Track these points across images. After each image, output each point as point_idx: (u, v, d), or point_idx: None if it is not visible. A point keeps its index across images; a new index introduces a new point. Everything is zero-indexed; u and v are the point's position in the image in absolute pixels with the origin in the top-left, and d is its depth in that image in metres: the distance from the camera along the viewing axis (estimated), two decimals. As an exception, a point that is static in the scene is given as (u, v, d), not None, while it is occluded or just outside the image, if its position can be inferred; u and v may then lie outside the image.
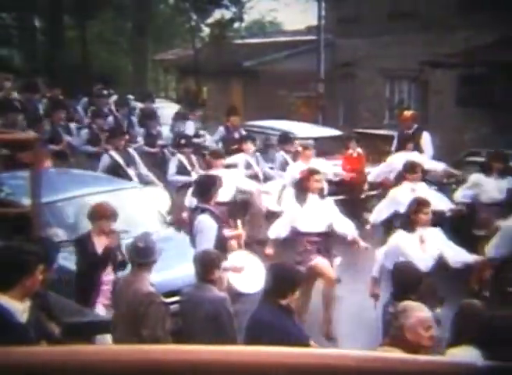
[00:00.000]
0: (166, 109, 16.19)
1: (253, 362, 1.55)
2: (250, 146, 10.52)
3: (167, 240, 7.02)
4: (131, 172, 9.64)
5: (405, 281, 5.32)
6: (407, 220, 6.61)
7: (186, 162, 10.08)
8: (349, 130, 15.07)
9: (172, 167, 10.12)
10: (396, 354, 3.67)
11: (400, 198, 8.03)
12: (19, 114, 11.23)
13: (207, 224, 6.73)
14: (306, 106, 20.79)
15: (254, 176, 10.26)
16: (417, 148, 10.95)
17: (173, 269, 6.54)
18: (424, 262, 6.29)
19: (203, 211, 6.84)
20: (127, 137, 10.80)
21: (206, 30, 25.91)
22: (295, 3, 30.01)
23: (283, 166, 10.55)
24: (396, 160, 9.86)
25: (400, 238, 6.53)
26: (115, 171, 9.42)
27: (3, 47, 25.00)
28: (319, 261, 7.18)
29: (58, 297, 5.46)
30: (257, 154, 10.83)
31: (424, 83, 17.60)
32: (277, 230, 7.55)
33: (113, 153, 9.77)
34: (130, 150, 10.17)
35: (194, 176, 9.56)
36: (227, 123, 12.37)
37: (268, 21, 39.64)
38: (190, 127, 12.95)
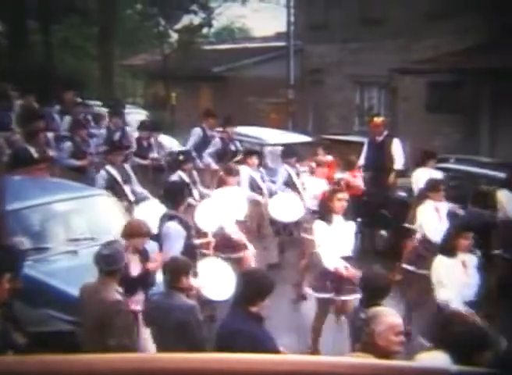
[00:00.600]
0: (134, 115, 16.02)
1: (225, 370, 1.55)
2: (254, 161, 9.97)
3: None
4: (127, 188, 9.22)
5: (374, 288, 5.33)
6: (447, 245, 6.36)
7: (187, 179, 9.52)
8: (318, 136, 15.10)
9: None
10: (375, 360, 3.66)
11: (424, 218, 7.89)
12: None
13: (174, 231, 6.71)
14: (275, 112, 20.82)
15: (259, 193, 9.87)
16: (388, 154, 11.01)
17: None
18: (468, 288, 6.13)
19: (171, 218, 6.82)
20: (126, 151, 10.46)
21: (175, 36, 25.80)
22: (264, 9, 30.10)
23: (288, 181, 10.09)
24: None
25: (441, 264, 6.27)
26: (112, 187, 9.03)
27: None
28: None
29: (22, 306, 5.33)
30: (261, 169, 10.39)
31: (393, 89, 17.75)
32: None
33: (110, 168, 9.30)
34: (126, 165, 9.75)
35: (196, 195, 9.30)
36: (203, 125, 12.12)
37: (237, 27, 39.73)
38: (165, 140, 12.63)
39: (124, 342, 5.11)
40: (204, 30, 26.21)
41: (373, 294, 5.26)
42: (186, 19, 24.87)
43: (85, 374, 1.56)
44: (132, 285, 5.88)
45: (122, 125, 12.44)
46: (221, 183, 8.70)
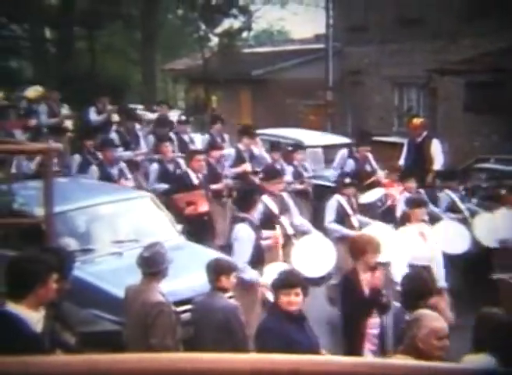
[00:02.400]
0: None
1: (265, 370, 1.58)
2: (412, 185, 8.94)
3: (178, 249, 7.05)
4: (284, 221, 7.83)
5: (413, 289, 5.26)
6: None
7: (347, 205, 8.38)
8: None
9: (330, 212, 8.36)
10: (410, 361, 3.69)
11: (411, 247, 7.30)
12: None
13: (244, 233, 6.68)
14: (314, 114, 20.83)
15: None
16: (427, 155, 10.96)
17: (184, 278, 6.56)
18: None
19: (242, 220, 6.84)
20: (284, 180, 9.15)
21: (215, 40, 25.97)
22: (303, 12, 30.08)
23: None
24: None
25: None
26: (267, 219, 7.71)
27: (13, 58, 25.15)
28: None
29: (71, 306, 5.50)
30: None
31: (432, 90, 17.61)
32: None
33: (266, 198, 7.88)
34: (285, 195, 8.35)
35: (356, 223, 8.25)
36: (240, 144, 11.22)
37: (276, 30, 39.75)
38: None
39: (166, 342, 5.19)
40: (244, 34, 26.31)
41: (413, 296, 5.19)
42: (226, 23, 25.05)
43: (133, 373, 1.59)
44: (366, 306, 5.58)
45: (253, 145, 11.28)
46: (406, 218, 7.67)
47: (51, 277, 3.91)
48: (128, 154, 11.02)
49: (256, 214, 7.14)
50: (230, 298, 5.96)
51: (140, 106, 17.76)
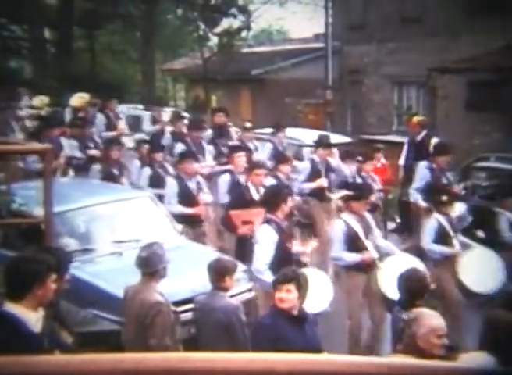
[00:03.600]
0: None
1: (260, 369, 1.57)
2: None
3: (178, 249, 7.05)
4: (369, 243, 7.10)
5: (410, 288, 5.28)
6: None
7: (447, 225, 7.51)
8: (357, 136, 15.10)
9: (430, 232, 7.49)
10: (410, 360, 3.69)
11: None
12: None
13: (265, 235, 6.52)
14: (314, 113, 20.85)
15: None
16: (428, 154, 10.94)
17: (184, 277, 6.55)
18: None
19: (267, 221, 6.63)
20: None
21: (214, 39, 26.00)
22: (302, 11, 30.11)
23: None
24: None
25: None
26: (352, 241, 7.05)
27: (13, 59, 25.18)
28: None
29: (70, 306, 5.49)
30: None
31: (432, 89, 17.61)
32: None
33: (348, 217, 7.12)
34: (367, 215, 7.42)
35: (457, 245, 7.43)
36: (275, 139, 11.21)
37: (275, 29, 39.77)
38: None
39: (165, 342, 5.19)
40: (243, 33, 26.33)
41: (409, 295, 5.22)
42: (225, 23, 25.08)
43: (131, 372, 1.58)
44: None
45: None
46: None
47: (50, 278, 3.90)
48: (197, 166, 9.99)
49: (282, 217, 6.69)
50: (232, 297, 5.97)
51: (139, 106, 17.74)
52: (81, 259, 6.70)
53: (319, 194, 9.71)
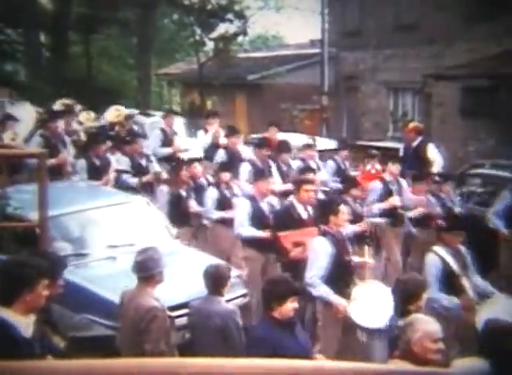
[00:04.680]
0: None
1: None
2: None
3: (172, 254, 7.02)
4: (466, 282, 6.27)
5: (404, 295, 5.26)
6: None
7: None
8: (353, 142, 15.12)
9: None
10: (408, 366, 3.69)
11: None
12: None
13: (319, 247, 6.42)
14: (310, 119, 20.88)
15: None
16: (424, 159, 10.95)
17: (179, 282, 6.53)
18: None
19: (323, 234, 6.53)
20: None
21: (210, 45, 26.03)
22: (298, 17, 30.27)
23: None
24: None
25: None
26: (448, 281, 6.23)
27: (9, 62, 25.16)
28: None
29: (62, 311, 5.47)
30: None
31: (427, 95, 17.67)
32: None
33: (441, 251, 6.34)
34: (462, 248, 6.47)
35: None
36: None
37: (271, 35, 39.85)
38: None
39: (160, 348, 5.18)
40: (239, 39, 26.40)
41: (403, 301, 5.20)
42: (221, 28, 25.11)
43: None
44: None
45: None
46: None
47: (41, 283, 3.86)
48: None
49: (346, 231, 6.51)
50: (228, 302, 5.97)
51: (135, 111, 17.72)
52: (75, 264, 6.68)
53: (392, 216, 8.91)
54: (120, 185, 9.50)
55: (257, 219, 7.89)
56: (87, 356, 4.84)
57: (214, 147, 10.88)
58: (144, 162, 10.14)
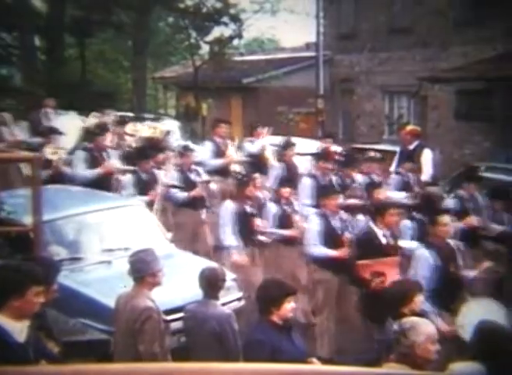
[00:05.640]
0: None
1: None
2: None
3: (168, 257, 7.00)
4: None
5: (397, 298, 5.30)
6: None
7: None
8: (349, 145, 15.13)
9: None
10: (405, 370, 3.70)
11: None
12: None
13: (420, 255, 6.34)
14: (305, 122, 20.89)
15: None
16: (417, 164, 10.93)
17: (174, 286, 6.51)
18: None
19: (427, 246, 6.42)
20: None
21: (205, 48, 26.03)
22: (293, 20, 30.32)
23: None
24: None
25: None
26: None
27: (3, 66, 25.10)
28: None
29: (57, 315, 5.44)
30: None
31: (423, 98, 17.69)
32: None
33: None
34: None
35: None
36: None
37: (266, 38, 39.87)
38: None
39: (154, 349, 5.18)
40: (235, 42, 26.40)
41: (396, 304, 5.24)
42: (216, 31, 25.11)
43: None
44: None
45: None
46: None
47: (30, 290, 3.81)
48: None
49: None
50: (223, 305, 5.95)
51: (130, 114, 17.68)
52: (70, 268, 6.66)
53: (470, 237, 8.23)
54: (169, 200, 9.22)
55: (329, 237, 7.39)
56: (81, 361, 4.83)
57: (258, 159, 10.53)
58: (193, 176, 9.56)
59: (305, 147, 13.10)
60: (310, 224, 7.62)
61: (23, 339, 3.78)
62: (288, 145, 10.30)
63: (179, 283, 6.58)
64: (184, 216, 9.32)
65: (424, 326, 4.20)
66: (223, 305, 5.99)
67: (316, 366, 4.86)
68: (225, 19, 24.18)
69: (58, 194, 8.24)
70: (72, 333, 6.08)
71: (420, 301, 5.34)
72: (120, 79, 29.40)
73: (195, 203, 9.33)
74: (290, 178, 9.18)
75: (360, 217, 7.87)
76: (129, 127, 11.43)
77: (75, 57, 25.67)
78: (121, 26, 24.49)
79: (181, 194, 9.29)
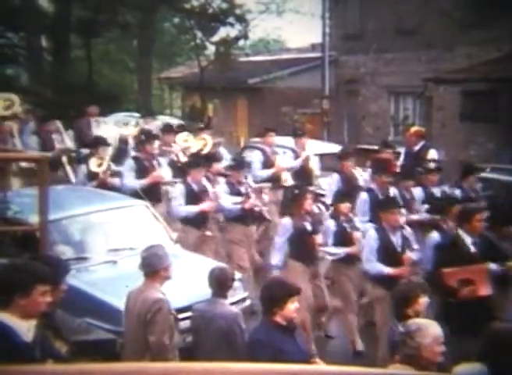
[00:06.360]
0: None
1: None
2: None
3: (173, 257, 7.00)
4: None
5: (402, 298, 5.28)
6: None
7: None
8: (353, 146, 15.13)
9: None
10: (410, 371, 3.71)
11: None
12: None
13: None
14: (311, 123, 20.89)
15: None
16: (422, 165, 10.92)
17: (179, 286, 6.53)
18: None
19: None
20: None
21: (211, 48, 26.05)
22: (299, 21, 30.36)
23: None
24: None
25: None
26: None
27: (10, 66, 25.18)
28: None
29: (64, 315, 5.47)
30: None
31: (428, 99, 17.69)
32: None
33: None
34: None
35: None
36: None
37: (272, 39, 39.87)
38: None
39: (163, 340, 5.27)
40: (240, 42, 26.40)
41: (401, 304, 5.22)
42: (222, 32, 25.13)
43: None
44: None
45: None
46: None
47: (36, 289, 3.81)
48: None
49: None
50: (232, 304, 5.97)
51: (136, 114, 17.72)
52: (76, 268, 6.67)
53: None
54: (220, 212, 8.97)
55: (387, 254, 6.98)
56: (88, 360, 4.85)
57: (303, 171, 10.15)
58: (243, 189, 9.03)
59: (311, 147, 13.14)
60: (367, 239, 7.22)
61: (30, 338, 3.79)
62: (345, 156, 9.70)
63: (183, 284, 6.59)
64: (236, 232, 8.85)
65: (430, 328, 4.20)
66: (231, 304, 6.01)
67: (317, 366, 4.87)
68: (230, 19, 24.19)
69: (64, 194, 8.27)
70: (78, 332, 6.10)
71: (424, 302, 5.34)
72: (126, 79, 29.44)
73: (247, 217, 8.87)
74: (348, 192, 8.53)
75: (434, 234, 7.23)
76: (180, 137, 10.86)
77: (81, 57, 25.71)
78: (127, 26, 24.53)
79: (234, 206, 8.82)
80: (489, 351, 4.22)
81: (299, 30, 32.33)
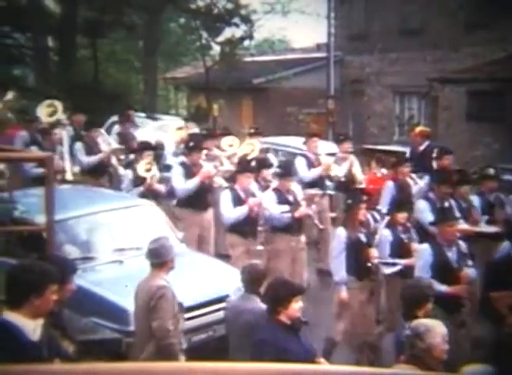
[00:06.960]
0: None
1: None
2: None
3: (179, 256, 7.03)
4: None
5: (411, 298, 5.28)
6: None
7: None
8: (359, 146, 15.13)
9: None
10: (416, 371, 3.73)
11: None
12: None
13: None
14: (316, 123, 20.89)
15: None
16: (429, 164, 10.92)
17: (185, 285, 6.55)
18: None
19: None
20: None
21: (216, 48, 26.05)
22: (304, 21, 30.31)
23: None
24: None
25: None
26: None
27: (17, 67, 25.24)
28: None
29: (71, 314, 5.50)
30: None
31: (433, 99, 17.67)
32: None
33: None
34: None
35: None
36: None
37: (277, 39, 39.84)
38: None
39: (167, 326, 5.38)
40: (246, 43, 26.40)
41: (410, 304, 5.23)
42: (227, 32, 25.13)
43: None
44: None
45: None
46: None
47: (49, 289, 3.87)
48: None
49: None
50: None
51: (141, 114, 17.75)
52: (82, 267, 6.69)
53: None
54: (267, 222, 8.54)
55: (442, 270, 6.40)
56: (93, 359, 4.87)
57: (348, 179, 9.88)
58: (291, 198, 8.52)
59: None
60: (421, 254, 6.67)
61: (37, 338, 3.83)
62: (400, 163, 9.36)
63: (188, 283, 6.62)
64: (282, 243, 8.36)
65: (438, 328, 4.23)
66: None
67: (319, 365, 4.88)
68: (236, 20, 24.19)
69: (70, 194, 8.29)
70: (84, 332, 6.14)
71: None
72: (131, 79, 29.48)
73: (293, 227, 8.38)
74: (406, 201, 8.11)
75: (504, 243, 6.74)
76: (226, 141, 10.56)
77: (87, 58, 25.76)
78: (133, 27, 24.56)
79: (283, 215, 8.32)
80: (497, 353, 4.23)
81: (304, 31, 32.33)
